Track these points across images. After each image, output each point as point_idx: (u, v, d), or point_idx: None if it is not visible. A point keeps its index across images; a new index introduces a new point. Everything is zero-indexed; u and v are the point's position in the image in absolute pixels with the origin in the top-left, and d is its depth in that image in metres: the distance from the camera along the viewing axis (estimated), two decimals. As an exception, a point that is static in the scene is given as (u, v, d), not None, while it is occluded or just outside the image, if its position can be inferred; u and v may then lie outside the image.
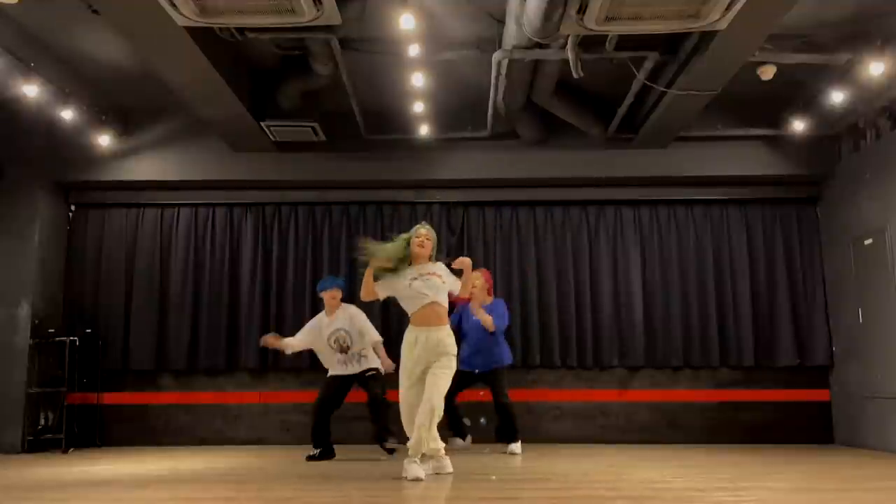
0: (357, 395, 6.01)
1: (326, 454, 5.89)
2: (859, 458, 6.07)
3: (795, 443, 7.33)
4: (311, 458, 5.82)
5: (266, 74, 6.67)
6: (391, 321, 7.26)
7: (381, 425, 5.88)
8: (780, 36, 5.74)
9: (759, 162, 7.47)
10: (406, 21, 5.23)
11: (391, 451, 5.85)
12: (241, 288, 7.66)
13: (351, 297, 6.03)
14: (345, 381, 5.95)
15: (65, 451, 6.89)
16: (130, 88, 6.98)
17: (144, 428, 7.47)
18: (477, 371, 6.29)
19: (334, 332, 5.92)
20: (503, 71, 5.91)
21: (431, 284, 4.64)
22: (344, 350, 5.89)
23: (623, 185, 7.70)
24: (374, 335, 5.94)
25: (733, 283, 7.63)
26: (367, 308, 6.02)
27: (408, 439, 4.58)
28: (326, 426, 5.90)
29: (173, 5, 4.68)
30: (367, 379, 5.90)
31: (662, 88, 6.15)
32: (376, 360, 5.93)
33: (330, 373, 6.01)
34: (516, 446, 6.26)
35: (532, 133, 7.32)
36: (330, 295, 6.00)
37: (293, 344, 6.01)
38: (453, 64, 6.39)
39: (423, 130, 7.19)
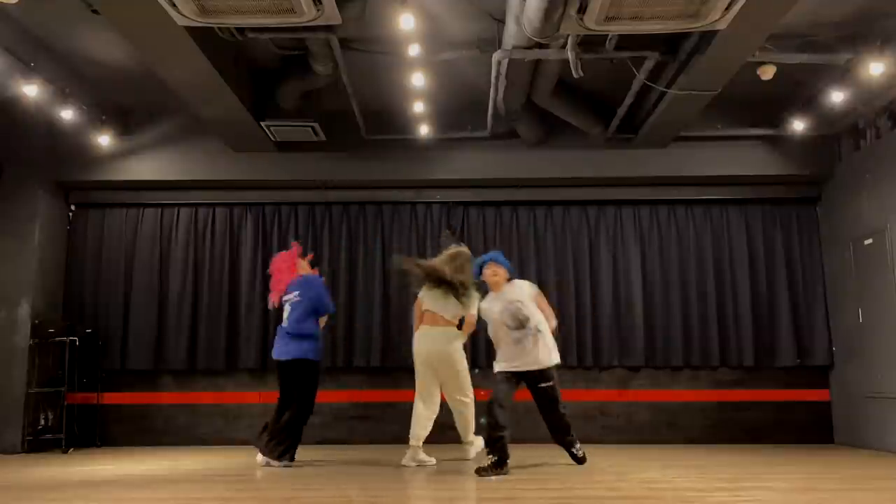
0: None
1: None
2: (859, 458, 6.07)
3: (795, 443, 7.32)
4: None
5: (266, 74, 6.67)
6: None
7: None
8: (780, 36, 5.74)
9: (759, 162, 7.46)
10: (406, 21, 5.23)
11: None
12: (240, 288, 7.65)
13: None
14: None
15: (65, 451, 6.89)
16: (130, 88, 6.97)
17: (144, 428, 7.47)
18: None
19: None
20: (503, 71, 5.90)
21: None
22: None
23: (623, 185, 7.70)
24: None
25: (733, 284, 7.62)
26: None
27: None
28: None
29: (173, 5, 4.67)
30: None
31: (662, 88, 6.15)
32: None
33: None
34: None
35: (532, 133, 7.32)
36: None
37: None
38: (453, 64, 6.39)
39: (423, 130, 7.18)
